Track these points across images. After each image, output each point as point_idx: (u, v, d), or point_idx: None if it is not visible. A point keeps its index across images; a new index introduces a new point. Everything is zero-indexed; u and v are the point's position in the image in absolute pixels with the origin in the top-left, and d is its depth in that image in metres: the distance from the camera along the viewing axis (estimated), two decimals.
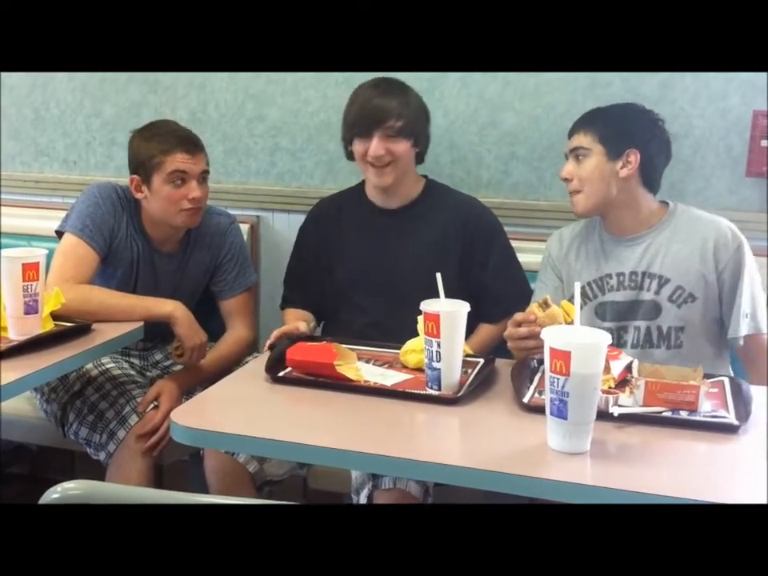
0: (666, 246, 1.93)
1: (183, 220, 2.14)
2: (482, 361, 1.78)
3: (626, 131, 1.92)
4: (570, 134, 1.98)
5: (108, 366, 2.20)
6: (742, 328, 1.88)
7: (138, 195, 2.16)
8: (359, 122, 2.09)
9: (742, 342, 1.90)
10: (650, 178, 1.94)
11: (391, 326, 2.04)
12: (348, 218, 2.23)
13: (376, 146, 2.05)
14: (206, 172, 2.17)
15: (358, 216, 2.21)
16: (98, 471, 2.05)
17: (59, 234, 2.17)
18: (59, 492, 1.02)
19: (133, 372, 2.24)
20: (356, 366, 1.73)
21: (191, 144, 2.14)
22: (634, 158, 1.90)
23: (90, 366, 2.17)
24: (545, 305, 1.72)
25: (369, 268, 2.17)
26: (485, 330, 2.13)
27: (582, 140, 1.93)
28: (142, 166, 2.13)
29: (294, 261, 2.32)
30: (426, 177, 2.24)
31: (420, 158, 2.19)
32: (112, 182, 2.26)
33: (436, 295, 1.66)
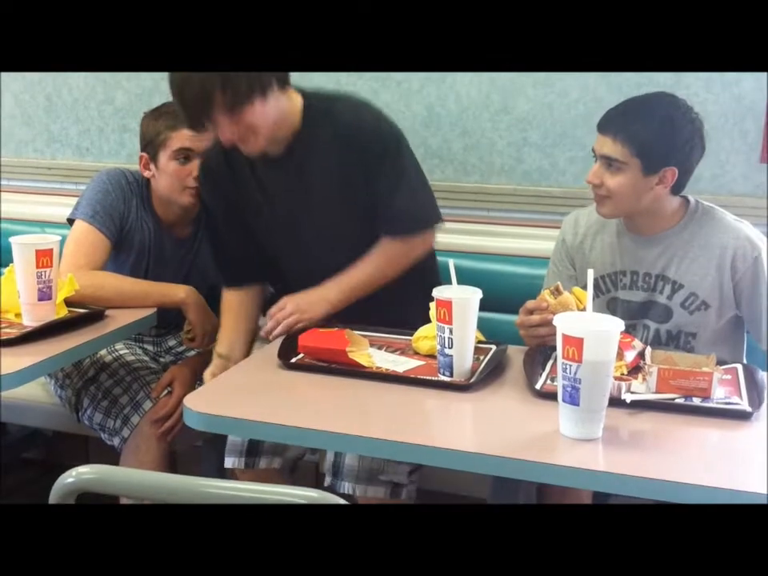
0: (683, 250, 1.85)
1: (188, 199, 2.14)
2: (493, 347, 1.78)
3: (667, 148, 1.76)
4: (602, 130, 1.79)
5: (122, 351, 2.21)
6: None
7: (146, 173, 2.18)
8: None
9: None
10: (680, 185, 1.82)
11: (308, 270, 1.96)
12: (237, 168, 1.98)
13: None
14: None
15: (246, 162, 1.96)
16: (111, 456, 2.07)
17: (70, 221, 2.18)
18: (74, 476, 1.03)
19: (146, 358, 2.25)
20: (368, 352, 1.73)
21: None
22: (671, 175, 1.77)
23: (103, 352, 2.18)
24: (556, 292, 1.71)
25: (277, 219, 1.99)
26: (387, 244, 1.93)
27: (617, 151, 1.75)
28: (150, 144, 2.14)
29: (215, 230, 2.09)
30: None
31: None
32: (120, 167, 2.27)
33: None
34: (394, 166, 1.91)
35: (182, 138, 2.10)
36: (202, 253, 2.26)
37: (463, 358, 1.62)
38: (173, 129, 2.10)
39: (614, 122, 1.78)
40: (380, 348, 1.79)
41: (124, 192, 2.18)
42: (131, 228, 2.19)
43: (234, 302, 2.04)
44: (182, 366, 2.16)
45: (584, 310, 1.63)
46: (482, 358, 1.71)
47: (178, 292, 2.09)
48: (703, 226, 1.86)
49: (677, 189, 1.83)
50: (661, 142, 1.75)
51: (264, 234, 2.02)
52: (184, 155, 2.11)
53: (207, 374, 1.91)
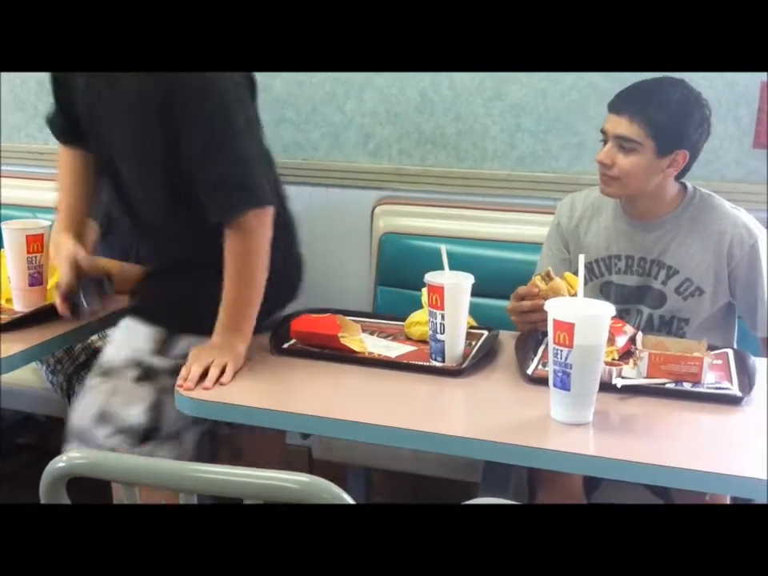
0: (679, 236, 1.85)
1: None
2: (485, 333, 1.78)
3: (682, 131, 1.76)
4: (616, 110, 1.78)
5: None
6: None
7: None
8: None
9: None
10: (686, 170, 1.83)
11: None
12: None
13: None
14: None
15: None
16: None
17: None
18: (64, 461, 1.03)
19: None
20: (360, 337, 1.73)
21: None
22: (682, 158, 1.78)
23: (94, 337, 2.18)
24: (547, 277, 1.71)
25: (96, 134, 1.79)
26: (227, 242, 1.64)
27: (633, 131, 1.74)
28: None
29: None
30: None
31: None
32: None
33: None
34: (210, 126, 1.59)
35: None
36: None
37: (455, 343, 1.62)
38: None
39: (630, 102, 1.77)
40: (372, 333, 1.79)
41: None
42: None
43: (67, 158, 1.91)
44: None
45: (575, 295, 1.63)
46: (473, 343, 1.72)
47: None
48: (701, 212, 1.86)
49: (681, 174, 1.83)
50: (675, 125, 1.76)
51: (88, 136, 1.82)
52: None
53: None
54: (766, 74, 2.22)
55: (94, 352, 2.16)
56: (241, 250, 1.63)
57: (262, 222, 1.63)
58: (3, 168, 2.90)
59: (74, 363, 2.17)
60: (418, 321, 1.76)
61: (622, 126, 1.76)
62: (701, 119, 1.79)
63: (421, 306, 1.76)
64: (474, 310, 1.70)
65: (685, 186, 1.89)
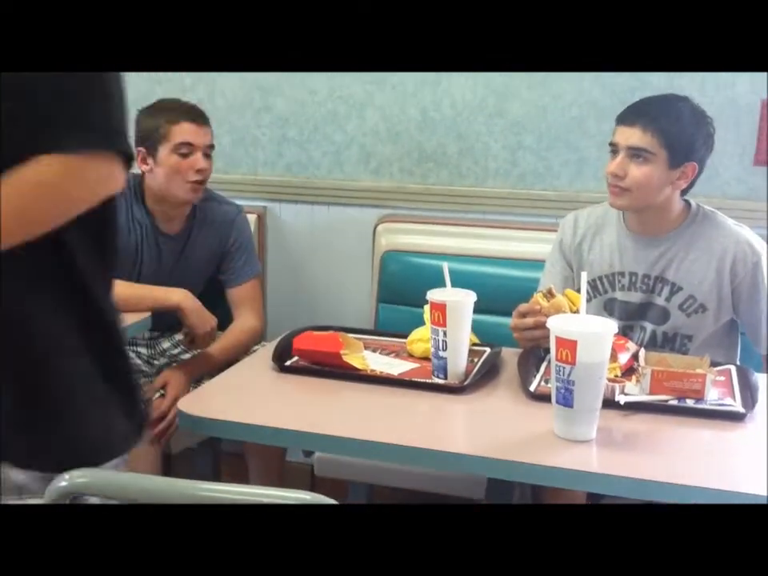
0: (683, 253, 1.86)
1: (188, 192, 2.16)
2: (488, 350, 1.78)
3: (692, 143, 1.78)
4: (627, 122, 1.79)
5: None
6: None
7: (143, 167, 2.18)
8: None
9: None
10: (690, 186, 1.85)
11: None
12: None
13: None
14: (212, 147, 2.19)
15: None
16: None
17: None
18: (67, 480, 1.03)
19: (139, 361, 2.25)
20: (362, 355, 1.73)
21: (198, 115, 2.17)
22: (691, 171, 1.80)
23: None
24: (549, 294, 1.72)
25: None
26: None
27: (647, 141, 1.76)
28: (147, 138, 2.15)
29: None
30: None
31: None
32: None
33: None
34: None
35: (183, 131, 2.12)
36: (196, 251, 2.27)
37: (457, 360, 1.62)
38: (174, 123, 2.13)
39: (642, 113, 1.79)
40: (374, 350, 1.79)
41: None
42: (121, 229, 2.18)
43: None
44: (176, 368, 2.15)
45: (577, 312, 1.64)
46: (476, 360, 1.72)
47: (173, 296, 2.09)
48: (704, 229, 1.87)
49: (686, 189, 1.85)
50: (686, 137, 1.78)
51: None
52: (186, 149, 2.13)
53: None
54: (766, 91, 2.23)
55: None
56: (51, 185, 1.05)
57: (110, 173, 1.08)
58: None
59: None
60: (420, 338, 1.76)
61: (634, 136, 1.77)
62: (707, 134, 1.81)
63: (423, 323, 1.76)
64: (476, 327, 1.69)
65: (688, 203, 1.90)
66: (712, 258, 1.84)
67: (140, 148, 2.17)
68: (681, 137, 1.77)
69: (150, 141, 2.15)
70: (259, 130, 2.68)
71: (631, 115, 1.80)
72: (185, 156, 2.13)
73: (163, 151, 2.13)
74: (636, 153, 1.77)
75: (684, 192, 1.86)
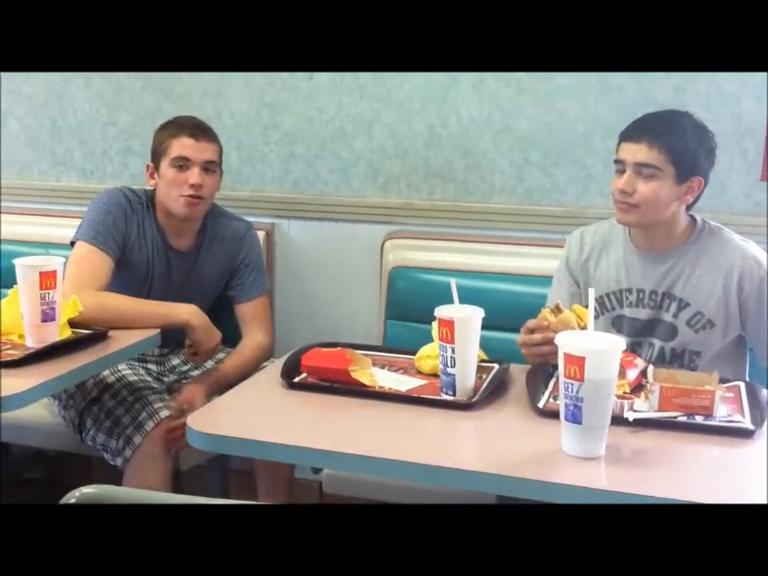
0: (689, 269, 1.86)
1: (182, 207, 2.17)
2: (496, 366, 1.78)
3: (697, 158, 1.80)
4: (633, 138, 1.79)
5: (124, 372, 2.21)
6: None
7: (151, 182, 2.23)
8: None
9: None
10: (695, 201, 1.86)
11: None
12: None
13: None
14: (212, 162, 2.20)
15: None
16: (114, 476, 2.07)
17: (72, 244, 2.19)
18: (77, 496, 1.03)
19: (149, 378, 2.26)
20: (370, 371, 1.73)
21: (199, 130, 2.20)
22: (698, 185, 1.81)
23: (106, 372, 2.18)
24: (557, 310, 1.72)
25: None
26: None
27: (653, 157, 1.76)
28: (155, 153, 2.22)
29: None
30: None
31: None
32: (119, 186, 2.30)
33: None
34: None
35: (180, 145, 2.16)
36: (205, 268, 2.28)
37: (465, 376, 1.62)
38: (173, 137, 2.17)
39: (647, 129, 1.79)
40: (382, 367, 1.79)
41: (124, 210, 2.21)
42: (133, 245, 2.21)
43: None
44: (196, 384, 2.16)
45: (585, 327, 1.64)
46: (484, 376, 1.72)
47: (181, 313, 2.10)
48: (711, 245, 1.87)
49: (691, 205, 1.86)
50: (691, 151, 1.79)
51: None
52: (182, 162, 2.16)
53: None
54: None
55: (106, 387, 2.17)
56: None
57: None
58: (16, 205, 2.93)
59: (86, 399, 2.17)
60: (429, 354, 1.76)
61: (641, 152, 1.78)
62: (709, 148, 1.83)
63: (431, 340, 1.77)
64: (484, 344, 1.70)
65: (694, 219, 1.90)
66: (719, 273, 1.84)
67: (149, 163, 2.23)
68: (686, 152, 1.78)
69: (156, 156, 2.21)
70: (267, 146, 2.70)
71: (637, 131, 1.80)
72: (181, 170, 2.16)
73: (164, 165, 2.19)
74: (643, 169, 1.78)
75: (689, 207, 1.86)
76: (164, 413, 2.08)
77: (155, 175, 2.22)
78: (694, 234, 1.88)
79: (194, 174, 2.15)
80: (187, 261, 2.27)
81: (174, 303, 2.13)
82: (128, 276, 2.21)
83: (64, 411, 2.23)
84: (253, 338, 2.28)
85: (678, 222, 1.86)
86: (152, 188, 2.26)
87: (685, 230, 1.88)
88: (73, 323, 1.92)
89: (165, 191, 2.19)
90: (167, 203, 2.20)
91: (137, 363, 2.30)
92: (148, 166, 2.24)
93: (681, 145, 1.77)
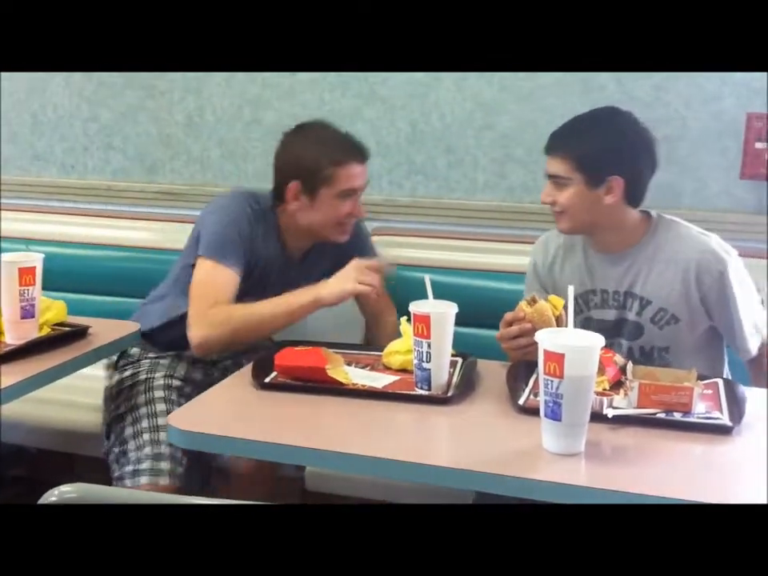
0: (647, 266, 1.86)
1: (339, 234, 2.05)
2: (459, 360, 1.78)
3: (607, 158, 1.81)
4: (547, 152, 1.85)
5: (157, 394, 2.08)
6: (752, 346, 1.87)
7: (293, 203, 2.04)
8: None
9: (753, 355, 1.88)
10: (635, 196, 1.84)
11: None
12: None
13: None
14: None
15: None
16: (96, 474, 2.05)
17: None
18: (56, 495, 1.02)
19: (197, 375, 2.16)
20: (344, 369, 1.73)
21: (363, 152, 2.05)
22: (617, 184, 1.81)
23: (141, 388, 2.09)
24: (532, 301, 1.73)
25: None
26: None
27: (559, 167, 1.81)
28: (308, 175, 2.00)
29: None
30: None
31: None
32: (242, 190, 2.17)
33: None
34: None
35: (351, 177, 2.01)
36: (314, 276, 2.06)
37: (441, 371, 1.63)
38: (339, 165, 1.99)
39: (555, 141, 1.86)
40: (349, 364, 1.78)
41: (249, 219, 2.05)
42: (256, 255, 2.06)
43: None
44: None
45: (559, 316, 1.66)
46: (452, 370, 1.71)
47: (306, 296, 1.93)
48: (666, 240, 1.87)
49: (632, 201, 1.85)
50: (601, 154, 1.81)
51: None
52: (350, 193, 2.02)
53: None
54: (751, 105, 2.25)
55: (131, 408, 2.08)
56: None
57: None
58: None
59: (111, 414, 2.10)
60: (398, 350, 1.76)
61: (552, 165, 1.84)
62: (634, 145, 1.83)
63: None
64: (465, 340, 1.70)
65: (649, 215, 1.90)
66: (677, 268, 1.84)
67: (295, 182, 2.02)
68: (593, 157, 1.80)
69: (311, 179, 2.00)
70: (249, 143, 2.69)
71: (549, 143, 1.87)
72: (345, 199, 2.01)
73: (326, 194, 2.00)
74: (557, 179, 1.83)
75: (634, 203, 1.86)
76: (163, 480, 1.96)
77: (301, 197, 2.01)
78: (649, 230, 1.88)
79: (357, 204, 2.03)
80: (302, 273, 2.12)
81: (311, 287, 1.96)
82: (245, 287, 2.04)
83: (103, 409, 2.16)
84: (391, 318, 2.16)
85: (623, 222, 1.87)
86: (275, 207, 2.09)
87: (637, 227, 1.89)
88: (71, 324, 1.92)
89: (321, 219, 2.02)
90: (320, 230, 2.05)
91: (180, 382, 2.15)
92: (293, 186, 2.01)
93: (584, 151, 1.80)
